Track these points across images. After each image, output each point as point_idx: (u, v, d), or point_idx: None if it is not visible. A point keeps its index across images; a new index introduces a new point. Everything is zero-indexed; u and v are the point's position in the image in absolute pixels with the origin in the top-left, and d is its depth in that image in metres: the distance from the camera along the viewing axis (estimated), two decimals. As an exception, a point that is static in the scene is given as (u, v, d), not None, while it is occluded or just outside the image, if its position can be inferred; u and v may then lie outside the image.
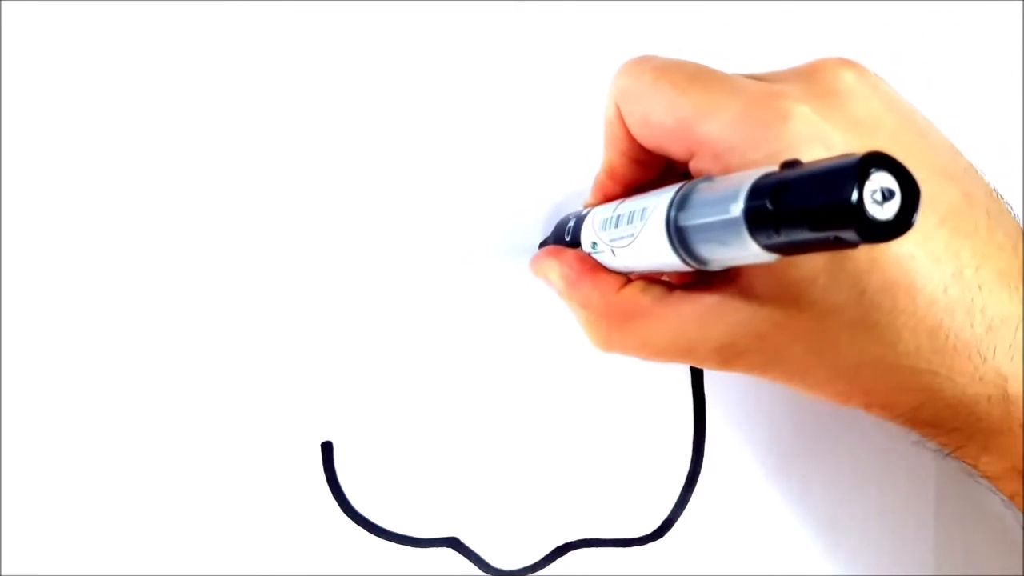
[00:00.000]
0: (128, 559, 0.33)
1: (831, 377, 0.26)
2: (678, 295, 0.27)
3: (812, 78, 0.26)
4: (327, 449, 0.35)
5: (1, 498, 0.33)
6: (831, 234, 0.18)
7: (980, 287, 0.25)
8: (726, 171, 0.24)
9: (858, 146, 0.25)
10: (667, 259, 0.24)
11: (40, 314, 0.34)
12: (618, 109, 0.28)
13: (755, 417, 0.36)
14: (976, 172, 0.28)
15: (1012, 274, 0.25)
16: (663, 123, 0.26)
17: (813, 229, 0.19)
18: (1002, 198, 0.28)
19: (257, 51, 0.35)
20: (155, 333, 0.34)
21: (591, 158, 0.31)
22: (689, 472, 0.35)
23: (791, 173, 0.20)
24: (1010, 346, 0.25)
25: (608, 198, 0.30)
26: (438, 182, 0.35)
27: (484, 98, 0.35)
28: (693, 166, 0.26)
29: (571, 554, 0.35)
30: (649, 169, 0.29)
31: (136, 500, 0.34)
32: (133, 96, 0.34)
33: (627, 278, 0.29)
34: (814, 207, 0.19)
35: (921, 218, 0.24)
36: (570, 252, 0.30)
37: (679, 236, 0.24)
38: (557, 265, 0.30)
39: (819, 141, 0.24)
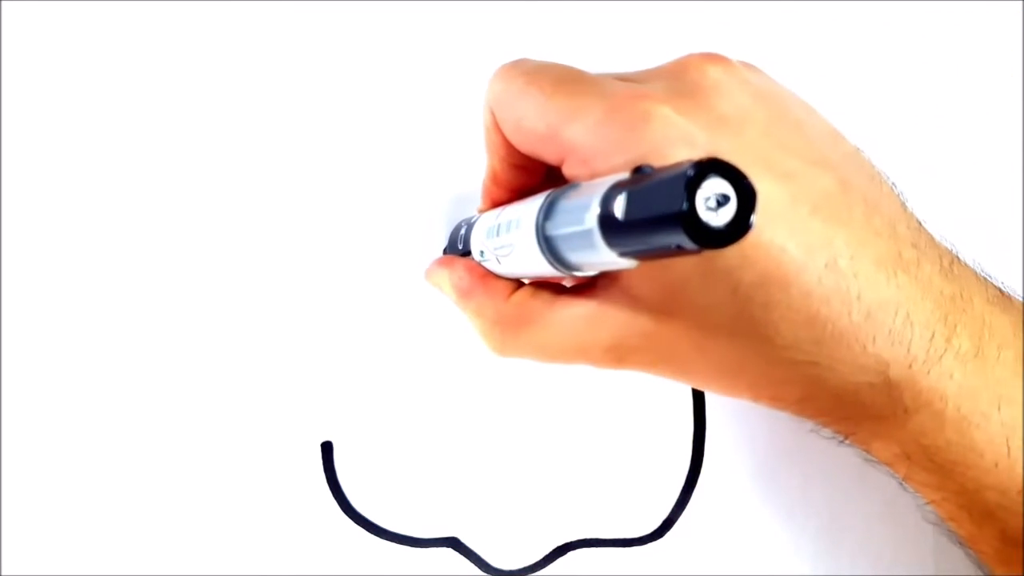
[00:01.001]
0: (128, 559, 0.33)
1: (716, 373, 0.26)
2: (566, 298, 0.27)
3: (677, 76, 0.26)
4: (327, 449, 0.35)
5: (1, 498, 0.33)
6: (673, 242, 0.19)
7: (856, 275, 0.25)
8: (593, 176, 0.24)
9: (724, 143, 0.24)
10: (543, 267, 0.25)
11: (40, 314, 0.34)
12: (493, 115, 0.28)
13: (755, 417, 0.36)
14: (859, 157, 0.28)
15: (890, 259, 0.25)
16: (534, 129, 0.26)
17: (656, 238, 0.19)
18: (887, 181, 0.28)
19: (256, 51, 0.35)
20: (155, 333, 0.34)
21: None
22: (689, 472, 0.35)
23: (635, 183, 0.20)
24: (890, 332, 0.25)
25: (496, 203, 0.30)
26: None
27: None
28: (565, 171, 0.26)
29: (571, 554, 0.35)
30: (533, 173, 0.29)
31: (136, 500, 0.34)
32: (133, 96, 0.34)
33: (517, 284, 0.29)
34: (652, 217, 0.19)
35: (792, 209, 0.24)
36: (461, 261, 0.30)
37: (548, 245, 0.24)
38: (448, 275, 0.30)
39: (683, 141, 0.24)
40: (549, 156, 0.26)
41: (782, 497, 0.35)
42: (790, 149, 0.25)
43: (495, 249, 0.28)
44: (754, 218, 0.18)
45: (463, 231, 0.31)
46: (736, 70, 0.26)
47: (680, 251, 0.19)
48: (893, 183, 0.28)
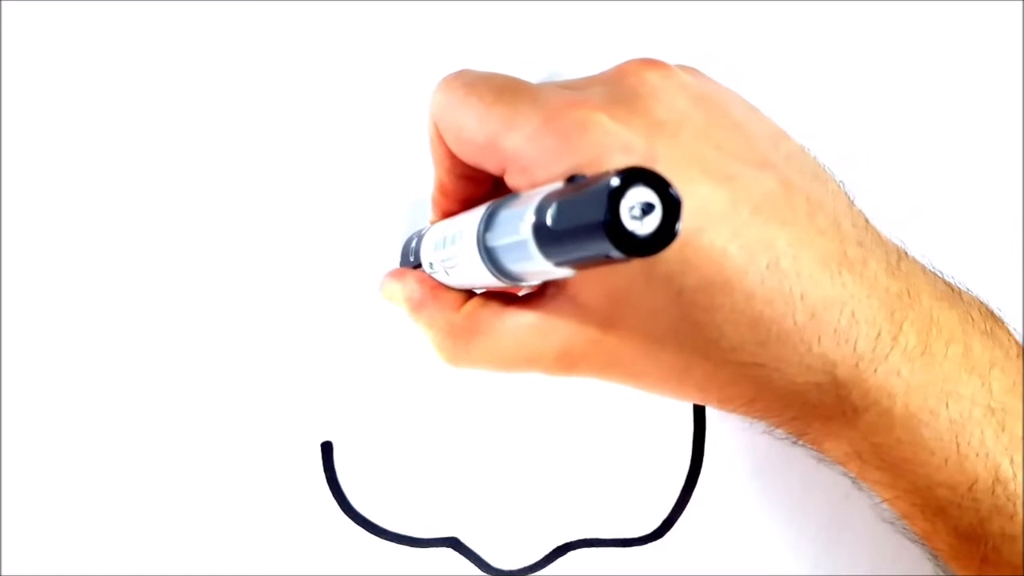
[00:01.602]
0: (128, 559, 0.33)
1: (664, 377, 0.26)
2: (515, 308, 0.27)
3: (615, 83, 0.26)
4: (327, 449, 0.35)
5: (1, 498, 0.33)
6: (601, 251, 0.19)
7: (799, 275, 0.25)
8: (533, 185, 0.24)
9: (662, 148, 0.24)
10: (488, 278, 0.25)
11: (40, 314, 0.34)
12: (436, 127, 0.28)
13: (755, 417, 0.36)
14: (804, 156, 0.27)
15: (835, 258, 0.25)
16: (474, 139, 0.26)
17: (585, 247, 0.19)
18: (834, 179, 0.27)
19: (256, 52, 0.35)
20: (155, 334, 0.34)
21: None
22: (689, 472, 0.35)
23: (565, 193, 0.20)
24: (835, 331, 0.25)
25: (446, 214, 0.30)
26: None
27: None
28: (507, 181, 0.26)
29: (571, 554, 0.35)
30: (480, 184, 0.29)
31: (136, 500, 0.34)
32: (132, 96, 0.34)
33: (468, 295, 0.29)
34: (579, 227, 0.19)
35: (733, 211, 0.24)
36: (411, 274, 0.30)
37: (489, 256, 0.24)
38: (400, 288, 0.30)
39: (620, 148, 0.24)
40: (490, 166, 0.26)
41: (782, 497, 0.35)
42: (729, 151, 0.25)
43: (442, 261, 0.28)
44: (679, 226, 0.18)
45: (414, 243, 0.31)
46: (674, 74, 0.26)
47: (609, 260, 0.19)
48: (841, 181, 0.28)
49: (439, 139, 0.28)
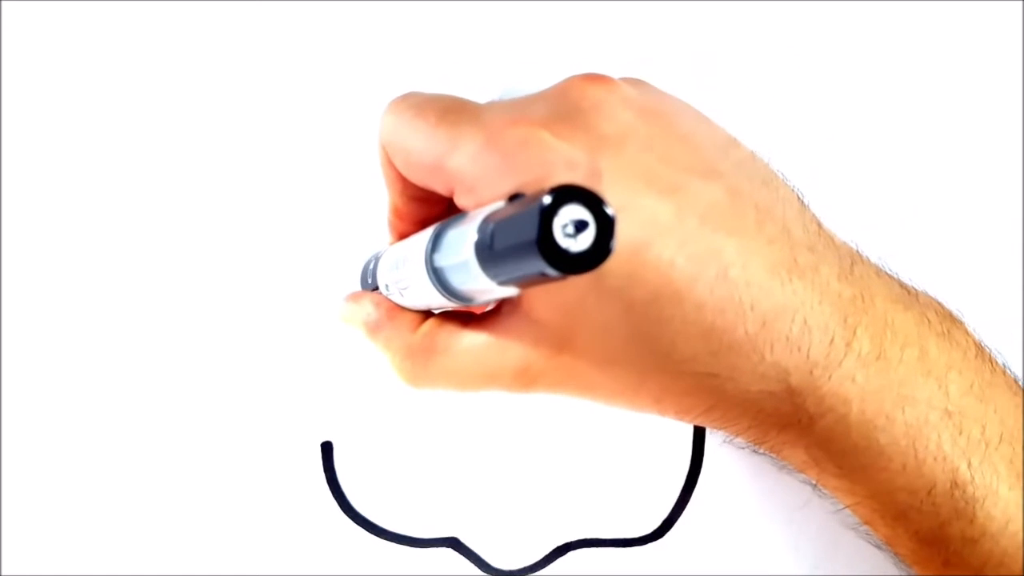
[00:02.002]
0: (128, 559, 0.34)
1: (620, 390, 0.26)
2: (472, 326, 0.27)
3: (557, 99, 0.26)
4: (327, 449, 0.35)
5: (1, 498, 0.33)
6: (536, 269, 0.19)
7: (748, 284, 0.24)
8: (480, 205, 0.24)
9: (605, 162, 0.24)
10: (439, 299, 0.25)
11: (40, 314, 0.34)
12: (386, 150, 0.28)
13: (755, 417, 0.36)
14: (753, 163, 0.27)
15: (784, 265, 0.25)
16: (421, 161, 0.26)
17: (522, 266, 0.19)
18: (786, 184, 0.27)
19: (258, 53, 0.35)
20: (155, 334, 0.34)
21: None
22: (689, 472, 0.35)
23: (504, 212, 0.20)
24: (787, 339, 0.25)
25: (402, 236, 0.30)
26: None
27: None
28: (456, 202, 0.26)
29: (571, 554, 0.35)
30: (433, 204, 0.29)
31: (136, 500, 0.34)
32: (132, 96, 0.34)
33: (426, 315, 0.28)
34: (515, 246, 0.19)
35: (679, 222, 0.24)
36: (368, 296, 0.30)
37: (438, 277, 0.24)
38: (357, 310, 0.30)
39: (563, 164, 0.24)
40: (439, 187, 0.26)
41: (782, 497, 0.35)
42: (674, 162, 0.25)
43: (396, 283, 0.28)
44: (614, 242, 0.19)
45: (371, 265, 0.31)
46: (618, 88, 0.26)
47: (547, 278, 0.19)
48: (794, 186, 0.27)
49: (389, 162, 0.28)
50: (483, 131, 0.25)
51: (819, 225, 0.27)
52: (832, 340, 0.25)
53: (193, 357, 0.34)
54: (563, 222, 0.18)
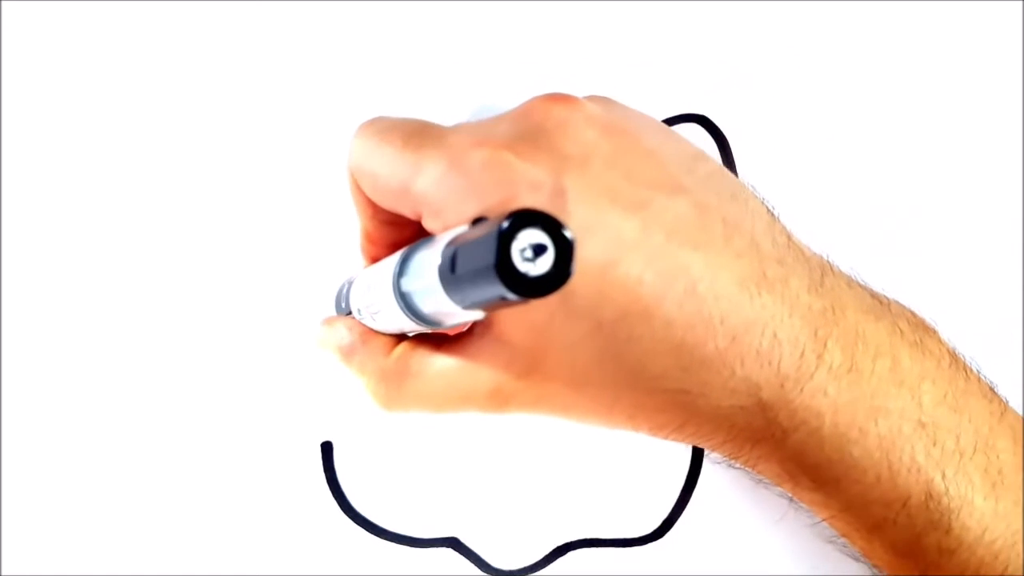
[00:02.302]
0: (128, 559, 0.34)
1: (593, 408, 0.26)
2: (445, 348, 0.27)
3: (520, 120, 0.26)
4: (327, 449, 0.35)
5: (1, 498, 0.33)
6: (497, 293, 0.19)
7: (717, 298, 0.24)
8: (446, 228, 0.24)
9: (569, 181, 0.24)
10: (408, 323, 0.25)
11: (40, 314, 0.34)
12: (353, 175, 0.28)
13: (755, 417, 0.35)
14: (721, 177, 0.27)
15: (753, 278, 0.25)
16: (388, 186, 0.26)
17: (483, 290, 0.19)
18: (755, 197, 0.27)
19: (260, 54, 0.35)
20: (155, 334, 0.34)
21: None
22: (689, 472, 0.35)
23: (465, 237, 0.20)
24: (758, 353, 0.24)
25: (374, 260, 0.30)
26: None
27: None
28: (424, 225, 0.26)
29: (571, 554, 0.35)
30: (404, 227, 0.29)
31: (136, 500, 0.34)
32: (132, 96, 0.34)
33: (399, 339, 0.28)
34: (475, 270, 0.19)
35: (645, 238, 0.24)
36: (341, 320, 0.30)
37: (405, 301, 0.24)
38: (331, 335, 0.30)
39: (527, 186, 0.24)
40: (406, 211, 0.26)
41: (782, 497, 0.35)
42: (639, 178, 0.25)
43: (367, 307, 0.28)
44: (574, 266, 0.19)
45: (345, 290, 0.31)
46: (581, 106, 0.26)
47: (507, 302, 0.19)
48: (763, 199, 0.27)
49: (358, 187, 0.28)
50: (447, 154, 0.25)
51: (789, 237, 0.27)
52: (803, 353, 0.25)
53: (193, 358, 0.34)
54: (521, 246, 0.18)
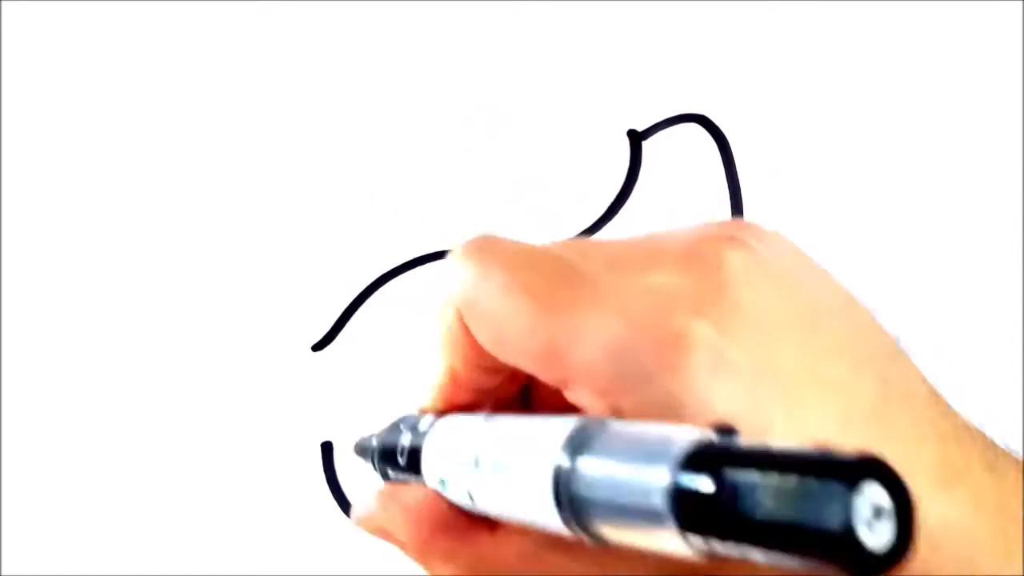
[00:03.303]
0: (128, 559, 0.33)
1: None
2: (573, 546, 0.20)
3: (691, 266, 0.21)
4: (327, 449, 0.34)
5: (1, 498, 0.33)
6: (809, 561, 0.14)
7: (920, 499, 0.18)
8: (617, 413, 0.19)
9: (766, 367, 0.20)
10: (549, 523, 0.18)
11: (41, 314, 0.34)
12: (460, 314, 0.22)
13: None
14: (880, 334, 0.22)
15: (941, 468, 0.20)
16: (523, 345, 0.21)
17: (775, 549, 0.14)
18: (903, 352, 0.22)
19: (263, 56, 0.35)
20: (156, 335, 0.34)
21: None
22: (689, 472, 0.35)
23: (736, 459, 0.15)
24: (956, 561, 0.20)
25: (454, 405, 0.24)
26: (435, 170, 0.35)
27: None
28: (570, 398, 0.21)
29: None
30: (510, 376, 0.23)
31: (136, 500, 0.34)
32: (132, 96, 0.34)
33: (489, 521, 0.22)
34: (782, 523, 0.14)
35: (847, 428, 0.19)
36: (415, 496, 0.23)
37: (572, 505, 0.18)
38: (401, 516, 0.23)
39: (724, 370, 0.19)
40: (546, 377, 0.21)
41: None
42: (828, 350, 0.21)
43: (469, 483, 0.21)
44: (915, 540, 0.14)
45: (406, 443, 0.24)
46: (755, 252, 0.21)
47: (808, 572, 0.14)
48: (904, 346, 0.22)
49: (463, 330, 0.22)
50: (619, 318, 0.20)
51: (946, 402, 0.22)
52: (993, 556, 0.20)
53: (194, 358, 0.34)
54: (863, 508, 0.14)
